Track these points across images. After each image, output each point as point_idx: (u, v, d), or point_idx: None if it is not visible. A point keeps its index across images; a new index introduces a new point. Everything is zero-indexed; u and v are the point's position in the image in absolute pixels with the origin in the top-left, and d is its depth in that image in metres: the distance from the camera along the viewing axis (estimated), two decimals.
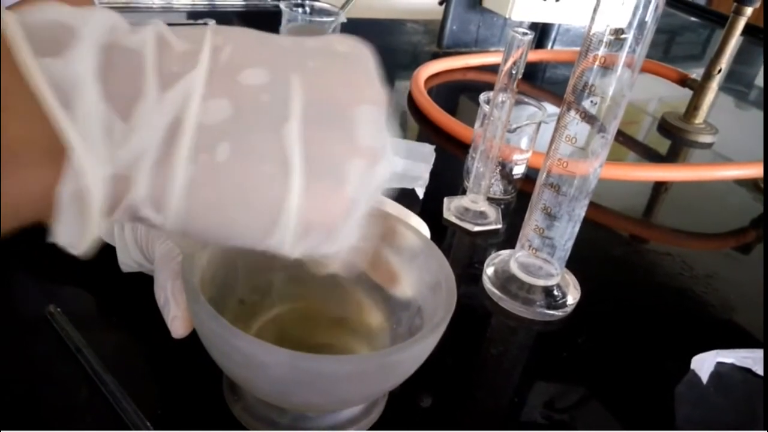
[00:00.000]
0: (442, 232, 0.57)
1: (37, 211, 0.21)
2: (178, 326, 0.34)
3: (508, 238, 0.57)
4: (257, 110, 0.22)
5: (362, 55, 0.25)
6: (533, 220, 0.47)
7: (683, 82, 0.92)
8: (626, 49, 0.39)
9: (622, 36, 0.38)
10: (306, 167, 0.23)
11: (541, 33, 1.07)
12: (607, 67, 0.40)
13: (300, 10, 0.78)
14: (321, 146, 0.23)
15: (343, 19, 0.78)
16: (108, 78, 0.20)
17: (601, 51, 0.39)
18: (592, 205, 0.47)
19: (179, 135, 0.21)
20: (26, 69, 0.19)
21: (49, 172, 0.20)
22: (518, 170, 0.63)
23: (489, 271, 0.51)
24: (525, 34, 0.48)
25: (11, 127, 0.19)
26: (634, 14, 0.37)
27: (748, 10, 0.81)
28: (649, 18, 0.37)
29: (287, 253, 0.25)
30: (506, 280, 0.49)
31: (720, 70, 0.85)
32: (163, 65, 0.21)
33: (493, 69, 0.59)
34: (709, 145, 0.88)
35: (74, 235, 0.22)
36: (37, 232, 0.47)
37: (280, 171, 0.22)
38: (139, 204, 0.22)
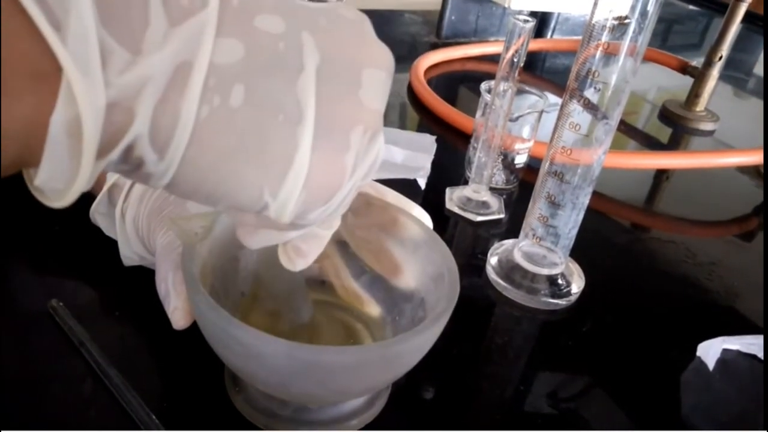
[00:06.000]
0: (444, 222, 0.57)
1: (25, 147, 0.18)
2: (178, 317, 0.33)
3: (511, 227, 0.57)
4: (272, 57, 0.21)
5: (367, 23, 0.25)
6: (537, 208, 0.47)
7: (684, 69, 0.91)
8: (629, 36, 0.38)
9: (626, 21, 0.38)
10: (316, 123, 0.22)
11: (541, 22, 1.06)
12: (609, 55, 0.39)
13: None
14: (331, 104, 0.22)
15: None
16: (107, 5, 0.18)
17: (604, 38, 0.39)
18: (595, 194, 0.46)
19: (191, 71, 0.20)
20: None
21: (39, 100, 0.18)
22: (520, 160, 0.63)
23: (492, 260, 0.50)
24: (526, 21, 0.48)
25: None
26: (636, 1, 0.37)
27: None
28: (651, 6, 0.37)
29: (281, 216, 0.23)
30: (510, 270, 0.49)
31: (721, 57, 0.84)
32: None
33: (493, 59, 0.59)
34: (710, 133, 0.88)
35: (62, 176, 0.19)
36: (38, 226, 0.47)
37: (293, 123, 0.22)
38: (138, 143, 0.20)
